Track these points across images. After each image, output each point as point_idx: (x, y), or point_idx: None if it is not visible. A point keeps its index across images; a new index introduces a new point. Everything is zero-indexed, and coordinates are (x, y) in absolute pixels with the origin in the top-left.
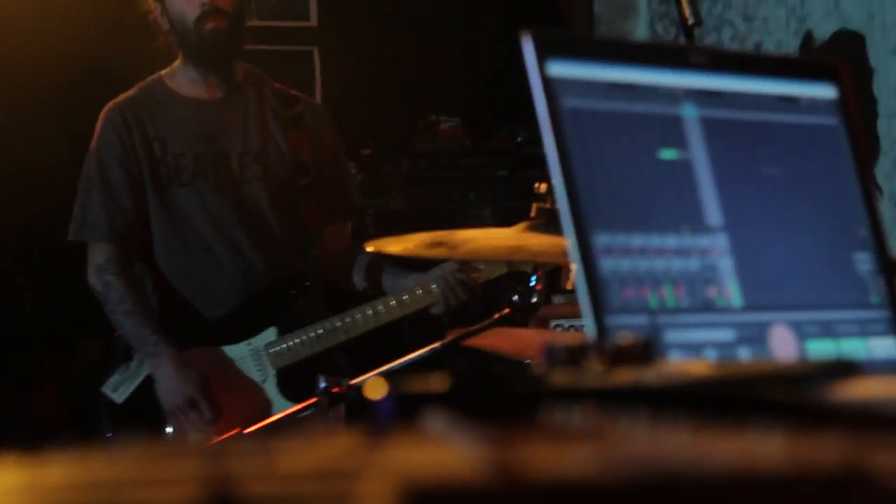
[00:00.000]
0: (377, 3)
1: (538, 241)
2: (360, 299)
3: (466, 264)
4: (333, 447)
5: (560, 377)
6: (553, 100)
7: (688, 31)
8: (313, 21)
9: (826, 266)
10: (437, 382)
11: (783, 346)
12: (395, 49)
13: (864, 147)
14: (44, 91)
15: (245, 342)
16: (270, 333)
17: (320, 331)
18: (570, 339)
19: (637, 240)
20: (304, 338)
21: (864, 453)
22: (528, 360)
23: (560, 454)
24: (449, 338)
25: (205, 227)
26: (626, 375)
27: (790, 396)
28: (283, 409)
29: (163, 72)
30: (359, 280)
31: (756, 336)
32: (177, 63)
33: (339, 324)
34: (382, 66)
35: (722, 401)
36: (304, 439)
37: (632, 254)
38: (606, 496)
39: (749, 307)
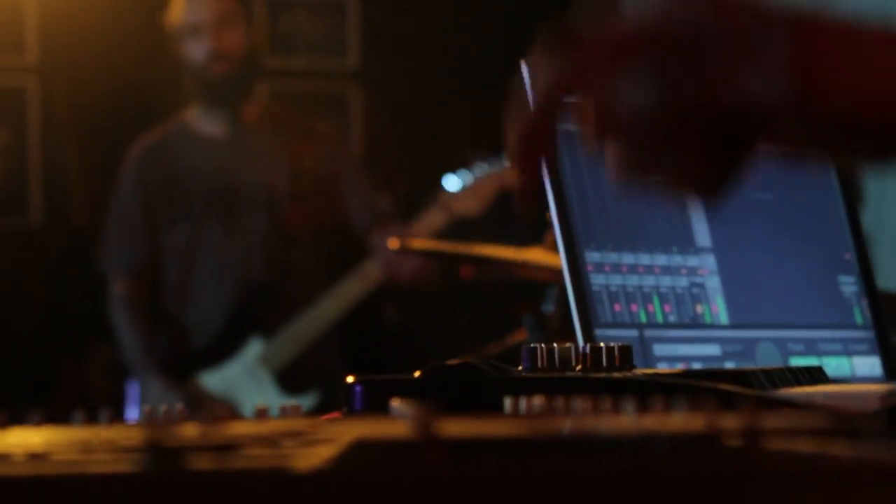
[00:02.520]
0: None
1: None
2: None
3: (405, 235)
4: (287, 422)
5: (518, 373)
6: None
7: None
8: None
9: (811, 287)
10: (409, 374)
11: (768, 362)
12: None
13: (852, 175)
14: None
15: (235, 361)
16: (256, 345)
17: (296, 327)
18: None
19: (627, 257)
20: (285, 338)
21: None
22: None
23: (485, 424)
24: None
25: (207, 260)
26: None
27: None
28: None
29: (185, 112)
30: None
31: (742, 352)
32: (196, 103)
33: (305, 317)
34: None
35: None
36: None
37: (622, 271)
38: (504, 446)
39: (735, 324)
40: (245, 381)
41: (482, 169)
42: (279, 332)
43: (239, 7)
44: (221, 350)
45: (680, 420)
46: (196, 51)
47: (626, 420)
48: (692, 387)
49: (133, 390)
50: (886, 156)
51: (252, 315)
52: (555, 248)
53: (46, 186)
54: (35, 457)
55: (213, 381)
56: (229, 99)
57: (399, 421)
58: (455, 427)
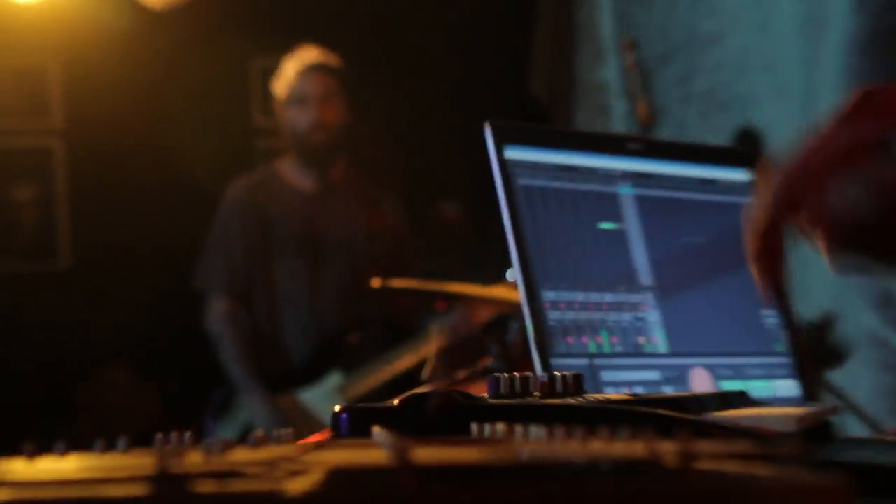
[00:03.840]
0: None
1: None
2: None
3: (471, 308)
4: (281, 448)
5: (487, 401)
6: (509, 178)
7: (645, 129)
8: None
9: (738, 320)
10: (389, 403)
11: (701, 385)
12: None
13: None
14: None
15: (319, 385)
16: (337, 377)
17: (373, 369)
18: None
19: (579, 296)
20: (362, 376)
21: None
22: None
23: (454, 450)
24: (438, 387)
25: (293, 294)
26: (549, 400)
27: (677, 414)
28: None
29: (278, 163)
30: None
31: (678, 377)
32: (289, 158)
33: (382, 362)
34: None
35: (625, 416)
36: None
37: (574, 307)
38: (470, 472)
39: (673, 353)
40: (324, 405)
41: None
42: (357, 371)
43: (340, 84)
44: (305, 376)
45: (622, 445)
46: (301, 118)
47: (575, 446)
48: (636, 413)
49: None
50: None
51: (333, 352)
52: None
53: (73, 234)
54: (56, 483)
55: (304, 398)
56: (325, 162)
57: (377, 447)
58: (425, 454)
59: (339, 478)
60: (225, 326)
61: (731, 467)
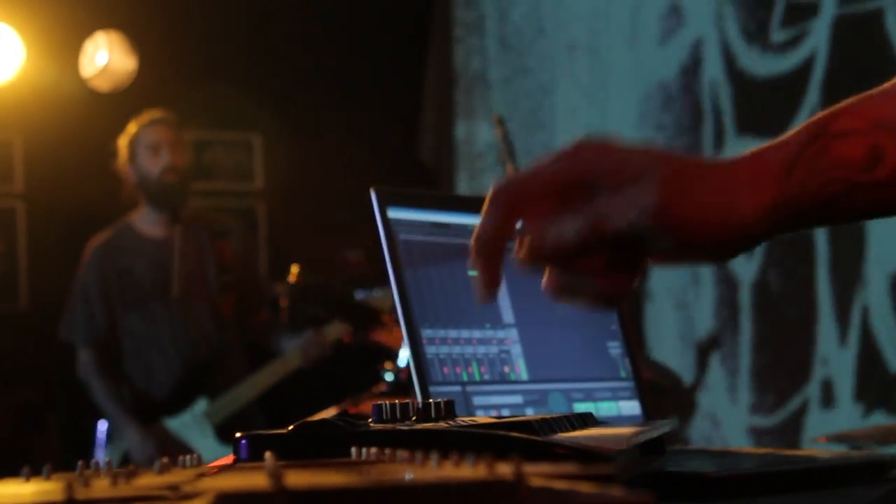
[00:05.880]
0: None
1: None
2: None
3: (319, 332)
4: (181, 474)
5: (367, 426)
6: (391, 234)
7: None
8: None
9: (588, 350)
10: (281, 429)
11: (557, 407)
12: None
13: None
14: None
15: (187, 412)
16: (202, 403)
17: (235, 392)
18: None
19: (452, 332)
20: (225, 400)
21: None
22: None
23: (326, 475)
24: (338, 408)
25: (154, 334)
26: (418, 425)
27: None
28: (225, 454)
29: (130, 216)
30: (275, 343)
31: (538, 400)
32: (140, 209)
33: (243, 385)
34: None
35: (482, 438)
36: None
37: (448, 342)
38: (335, 494)
39: (533, 379)
40: (193, 429)
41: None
42: (220, 396)
43: (182, 134)
44: (173, 406)
45: (469, 468)
46: (152, 164)
47: (431, 469)
48: (491, 436)
49: (100, 432)
50: (720, 261)
51: (197, 381)
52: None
53: (31, 281)
54: None
55: (171, 426)
56: (174, 202)
57: (263, 473)
58: (299, 477)
59: (223, 502)
60: (91, 374)
61: (559, 485)
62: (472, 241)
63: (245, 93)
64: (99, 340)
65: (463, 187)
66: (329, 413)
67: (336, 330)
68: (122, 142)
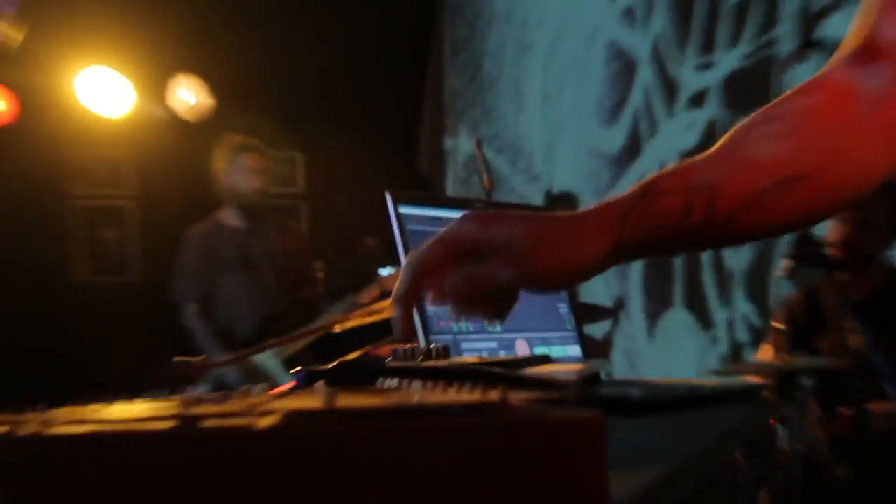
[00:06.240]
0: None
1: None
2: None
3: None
4: (259, 397)
5: (389, 363)
6: (402, 225)
7: (488, 193)
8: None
9: (544, 310)
10: (328, 365)
11: (522, 350)
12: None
13: None
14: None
15: (263, 353)
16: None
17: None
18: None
19: None
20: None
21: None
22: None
23: (363, 398)
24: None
25: (237, 296)
26: (424, 363)
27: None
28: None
29: (217, 213)
30: (320, 311)
31: (508, 346)
32: (226, 207)
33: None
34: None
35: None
36: (243, 395)
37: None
38: (373, 412)
39: (504, 330)
40: (268, 362)
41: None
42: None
43: (266, 160)
44: (251, 345)
45: (467, 394)
46: (247, 184)
47: (438, 395)
48: (477, 370)
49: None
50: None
51: (267, 328)
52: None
53: (144, 259)
54: (104, 421)
55: (253, 359)
56: (255, 210)
57: (318, 397)
58: (345, 401)
59: (290, 417)
60: (194, 322)
61: (533, 407)
62: (392, 298)
63: (290, 122)
64: (198, 298)
65: (451, 189)
66: (356, 354)
67: (370, 292)
68: (223, 154)
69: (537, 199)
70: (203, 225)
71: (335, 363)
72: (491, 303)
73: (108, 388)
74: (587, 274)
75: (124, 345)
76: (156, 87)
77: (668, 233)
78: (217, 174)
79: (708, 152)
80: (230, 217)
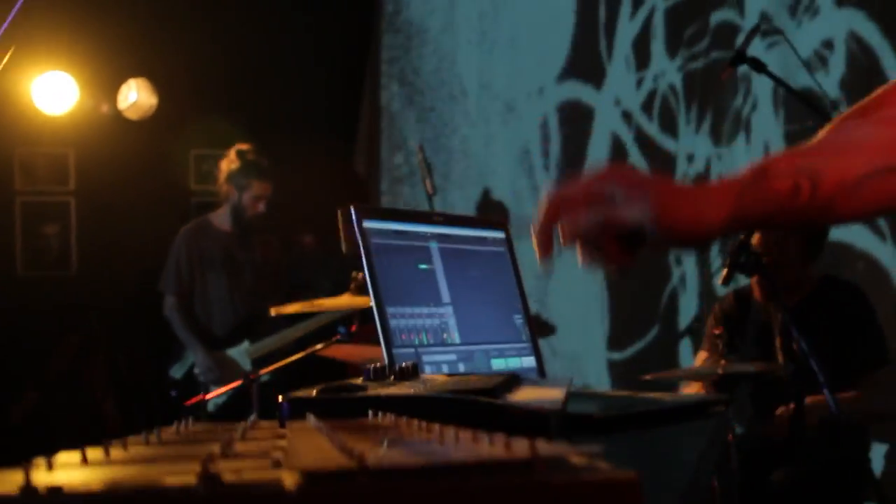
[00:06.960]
0: None
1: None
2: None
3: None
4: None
5: (372, 389)
6: (366, 238)
7: (430, 197)
8: None
9: (501, 321)
10: (311, 392)
11: (480, 363)
12: None
13: (517, 263)
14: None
15: (237, 347)
16: (245, 343)
17: (267, 340)
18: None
19: (407, 309)
20: (260, 344)
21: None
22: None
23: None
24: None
25: (218, 294)
26: (405, 387)
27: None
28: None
29: (209, 214)
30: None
31: (467, 358)
32: (220, 211)
33: (275, 336)
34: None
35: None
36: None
37: (405, 316)
38: (409, 472)
39: (463, 343)
40: (239, 358)
41: None
42: (258, 341)
43: (270, 185)
44: (226, 341)
45: (488, 445)
46: (251, 207)
47: (452, 443)
48: (463, 400)
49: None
50: (692, 249)
51: (242, 327)
52: (357, 294)
53: (79, 254)
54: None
55: (229, 353)
56: (246, 220)
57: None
58: (375, 458)
59: (317, 476)
60: (172, 312)
61: (565, 462)
62: (536, 227)
63: (233, 122)
64: (182, 291)
65: (385, 191)
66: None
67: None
68: (232, 167)
69: (469, 202)
70: (194, 223)
71: (319, 390)
72: (618, 246)
73: (46, 387)
74: (708, 234)
75: (63, 343)
76: (101, 85)
77: (777, 210)
78: (223, 176)
79: (816, 138)
80: (221, 220)
